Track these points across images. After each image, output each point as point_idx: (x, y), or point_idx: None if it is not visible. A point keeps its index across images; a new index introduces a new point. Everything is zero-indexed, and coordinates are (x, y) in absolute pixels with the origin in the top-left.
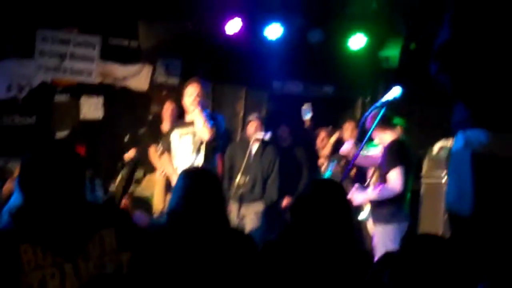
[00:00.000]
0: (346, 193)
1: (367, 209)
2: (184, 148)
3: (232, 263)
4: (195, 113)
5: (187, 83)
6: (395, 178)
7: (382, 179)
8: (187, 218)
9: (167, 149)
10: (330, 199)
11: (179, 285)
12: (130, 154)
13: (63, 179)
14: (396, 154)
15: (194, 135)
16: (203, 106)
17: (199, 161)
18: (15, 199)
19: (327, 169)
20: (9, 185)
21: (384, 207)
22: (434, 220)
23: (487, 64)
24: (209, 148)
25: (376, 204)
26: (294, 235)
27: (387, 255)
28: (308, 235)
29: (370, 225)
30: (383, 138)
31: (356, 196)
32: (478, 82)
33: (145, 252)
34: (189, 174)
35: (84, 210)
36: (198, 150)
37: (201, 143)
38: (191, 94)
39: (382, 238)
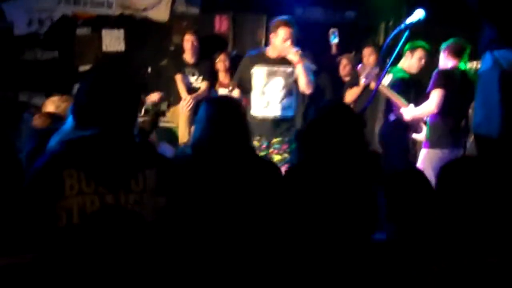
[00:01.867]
0: (354, 115)
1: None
2: (273, 88)
3: (259, 191)
4: (294, 60)
5: (277, 24)
6: (432, 97)
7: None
8: (211, 148)
9: (242, 85)
10: (340, 122)
11: (209, 216)
12: (153, 98)
13: (118, 112)
14: (442, 77)
15: (286, 76)
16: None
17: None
18: (67, 126)
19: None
20: (38, 120)
21: (436, 131)
22: None
23: None
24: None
25: (430, 128)
26: (312, 160)
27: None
28: (323, 160)
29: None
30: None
31: (405, 111)
32: (505, 0)
33: (179, 192)
34: (212, 103)
35: (132, 147)
36: (290, 94)
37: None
38: (285, 38)
39: (425, 161)
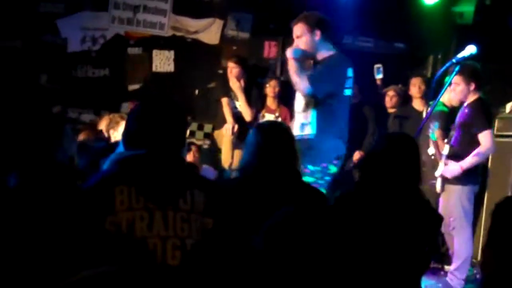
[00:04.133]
0: (418, 148)
1: (441, 166)
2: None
3: (305, 217)
4: None
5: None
6: (488, 139)
7: (465, 138)
8: (259, 173)
9: None
10: (403, 154)
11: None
12: None
13: (169, 133)
14: (486, 114)
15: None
16: None
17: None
18: (120, 149)
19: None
20: (83, 136)
21: (470, 172)
22: (503, 179)
23: None
24: None
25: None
26: (366, 189)
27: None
28: (380, 190)
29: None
30: (469, 97)
31: (452, 169)
32: None
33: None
34: (261, 129)
35: (180, 167)
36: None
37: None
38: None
39: (459, 198)
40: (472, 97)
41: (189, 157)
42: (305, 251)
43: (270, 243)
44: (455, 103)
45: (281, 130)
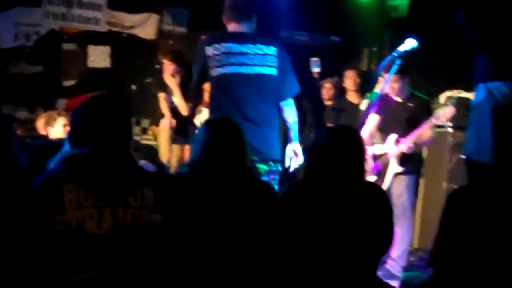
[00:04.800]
0: (363, 140)
1: (393, 161)
2: None
3: (260, 213)
4: None
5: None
6: (431, 130)
7: (406, 130)
8: (208, 169)
9: None
10: (351, 147)
11: (203, 234)
12: None
13: (115, 131)
14: (427, 107)
15: None
16: None
17: None
18: (66, 148)
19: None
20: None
21: (412, 159)
22: (438, 168)
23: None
24: None
25: (408, 156)
26: (313, 182)
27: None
28: (327, 183)
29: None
30: (402, 90)
31: (399, 146)
32: (502, 33)
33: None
34: (210, 124)
35: (129, 165)
36: None
37: None
38: None
39: (407, 187)
40: (406, 93)
41: None
42: (260, 247)
43: (232, 240)
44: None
45: (230, 126)
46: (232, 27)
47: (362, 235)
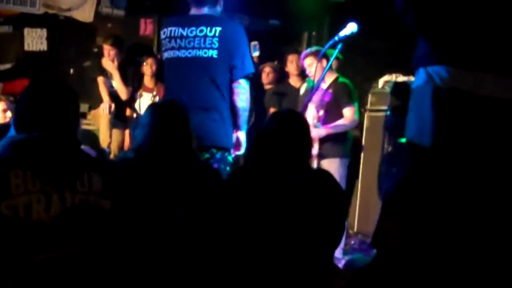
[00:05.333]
0: (308, 125)
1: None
2: None
3: (200, 196)
4: None
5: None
6: (352, 113)
7: (329, 115)
8: (154, 153)
9: None
10: (296, 132)
11: (149, 218)
12: None
13: (61, 115)
14: (348, 92)
15: None
16: None
17: None
18: (11, 133)
19: None
20: None
21: (339, 143)
22: (375, 152)
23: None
24: None
25: (331, 139)
26: (260, 166)
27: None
28: (274, 167)
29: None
30: (328, 76)
31: (318, 130)
32: (441, 18)
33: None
34: (155, 108)
35: (75, 149)
36: None
37: None
38: None
39: (337, 170)
40: (330, 78)
41: None
42: (208, 231)
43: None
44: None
45: (175, 109)
46: (192, 10)
47: (312, 221)
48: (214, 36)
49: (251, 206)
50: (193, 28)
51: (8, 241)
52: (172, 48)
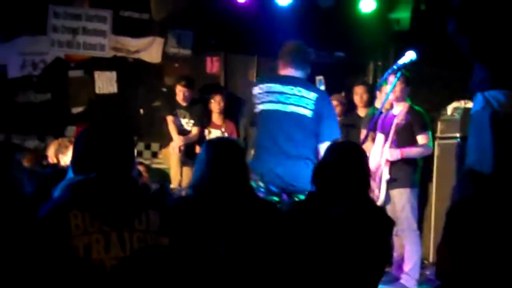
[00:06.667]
0: (366, 155)
1: (385, 171)
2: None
3: (261, 232)
4: None
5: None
6: (427, 140)
7: (401, 142)
8: (211, 189)
9: None
10: (354, 163)
11: (210, 255)
12: None
13: (117, 156)
14: (426, 119)
15: None
16: None
17: None
18: (70, 175)
19: None
20: (26, 162)
21: (410, 171)
22: (448, 180)
23: (505, 23)
24: None
25: (403, 168)
26: (319, 199)
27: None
28: (332, 199)
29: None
30: (402, 98)
31: (392, 152)
32: (496, 42)
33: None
34: (211, 144)
35: (132, 188)
36: None
37: None
38: None
39: (408, 200)
40: (402, 105)
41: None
42: (262, 259)
43: (231, 250)
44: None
45: (231, 145)
46: (286, 71)
47: (364, 252)
48: (310, 99)
49: (304, 237)
50: (291, 87)
51: (69, 281)
52: (270, 102)
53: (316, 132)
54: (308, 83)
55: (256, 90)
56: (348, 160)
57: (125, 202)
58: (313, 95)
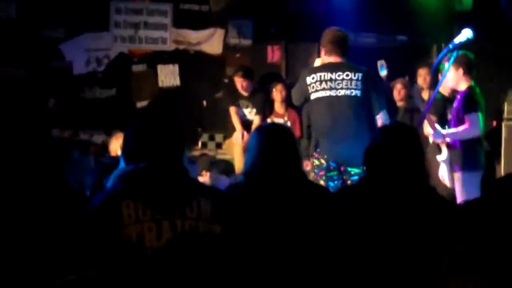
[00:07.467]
0: (418, 137)
1: (444, 151)
2: None
3: (314, 218)
4: None
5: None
6: (474, 121)
7: (456, 123)
8: (263, 175)
9: None
10: (404, 146)
11: (264, 243)
12: None
13: (166, 145)
14: (474, 99)
15: None
16: None
17: None
18: (121, 165)
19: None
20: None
21: (471, 155)
22: None
23: None
24: None
25: (462, 151)
26: (369, 183)
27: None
28: (384, 184)
29: (444, 170)
30: (460, 84)
31: (435, 134)
32: None
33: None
34: (262, 131)
35: (183, 177)
36: None
37: None
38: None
39: (468, 184)
40: (464, 85)
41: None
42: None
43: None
44: (445, 90)
45: (281, 131)
46: (332, 58)
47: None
48: (357, 79)
49: (364, 223)
50: (340, 73)
51: (122, 270)
52: (324, 89)
53: (369, 106)
54: (352, 64)
55: (309, 80)
56: (399, 142)
57: (176, 190)
58: (358, 75)
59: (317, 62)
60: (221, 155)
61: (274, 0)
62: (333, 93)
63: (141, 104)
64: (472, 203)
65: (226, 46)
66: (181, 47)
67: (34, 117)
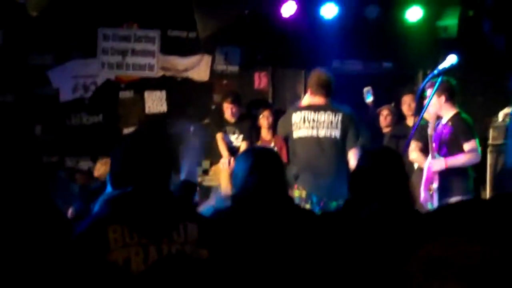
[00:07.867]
0: (402, 161)
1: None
2: None
3: (299, 241)
4: None
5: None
6: (475, 148)
7: (451, 151)
8: (251, 199)
9: None
10: (388, 169)
11: (251, 266)
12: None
13: (153, 170)
14: (468, 126)
15: None
16: None
17: None
18: (109, 189)
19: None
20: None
21: (461, 179)
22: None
23: None
24: None
25: (453, 176)
26: (353, 207)
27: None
28: (368, 207)
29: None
30: (443, 110)
31: (437, 162)
32: None
33: (221, 244)
34: (249, 154)
35: (170, 201)
36: None
37: None
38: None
39: None
40: (450, 112)
41: None
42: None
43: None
44: (430, 116)
45: (269, 155)
46: (316, 99)
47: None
48: (337, 121)
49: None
50: (322, 113)
51: None
52: (306, 128)
53: (345, 146)
54: (334, 105)
55: (294, 118)
56: (381, 165)
57: (163, 215)
58: (338, 117)
59: (305, 100)
60: (207, 181)
61: (261, 27)
62: (314, 132)
63: (127, 130)
64: (449, 207)
65: (213, 72)
66: (168, 73)
67: (20, 143)
